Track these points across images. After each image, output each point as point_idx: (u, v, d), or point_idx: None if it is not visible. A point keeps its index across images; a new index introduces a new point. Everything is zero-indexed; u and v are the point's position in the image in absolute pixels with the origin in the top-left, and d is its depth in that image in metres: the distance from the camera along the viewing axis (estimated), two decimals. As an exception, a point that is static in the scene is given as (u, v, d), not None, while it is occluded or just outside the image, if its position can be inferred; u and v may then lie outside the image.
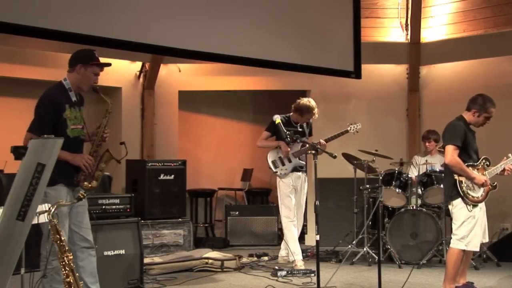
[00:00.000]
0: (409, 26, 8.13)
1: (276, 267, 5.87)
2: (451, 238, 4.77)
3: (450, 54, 7.94)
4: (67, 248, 3.17)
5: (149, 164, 6.84)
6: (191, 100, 8.63)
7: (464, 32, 7.87)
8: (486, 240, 4.94)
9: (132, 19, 5.21)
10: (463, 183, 4.59)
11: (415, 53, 8.13)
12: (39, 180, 2.70)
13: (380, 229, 5.06)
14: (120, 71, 7.83)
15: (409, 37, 8.16)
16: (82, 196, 3.29)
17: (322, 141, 6.07)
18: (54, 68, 6.52)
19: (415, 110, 8.21)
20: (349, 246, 6.54)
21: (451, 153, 4.58)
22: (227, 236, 7.74)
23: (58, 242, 3.14)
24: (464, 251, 4.65)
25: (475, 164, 4.71)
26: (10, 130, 5.55)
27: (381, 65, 8.22)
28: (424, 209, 6.46)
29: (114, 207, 5.13)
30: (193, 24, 5.61)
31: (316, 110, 6.22)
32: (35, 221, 2.96)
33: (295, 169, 6.20)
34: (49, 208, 3.11)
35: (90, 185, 4.01)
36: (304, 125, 6.34)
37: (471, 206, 4.60)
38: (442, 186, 6.33)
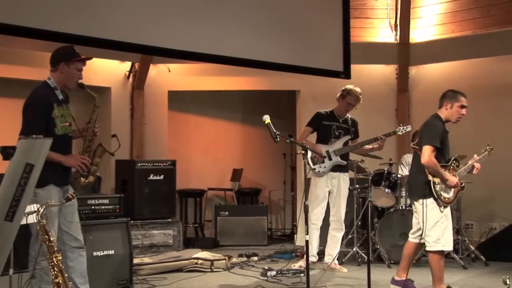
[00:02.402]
0: (398, 26, 8.17)
1: (266, 267, 5.87)
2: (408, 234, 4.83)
3: (438, 55, 7.98)
4: (56, 248, 3.15)
5: (139, 164, 6.82)
6: (181, 100, 8.61)
7: (453, 33, 7.92)
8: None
9: (122, 19, 5.20)
10: (437, 184, 4.60)
11: (404, 53, 8.17)
12: (27, 180, 2.68)
13: (369, 229, 5.06)
14: (110, 71, 7.80)
15: (398, 37, 8.20)
16: (71, 196, 3.27)
17: (382, 136, 5.92)
18: (42, 67, 6.35)
19: (404, 110, 8.24)
20: (339, 246, 6.55)
21: (429, 154, 4.56)
22: (217, 236, 7.73)
23: (47, 242, 3.12)
24: (443, 251, 4.67)
25: (446, 164, 4.72)
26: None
27: (371, 65, 8.25)
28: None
29: (103, 207, 5.10)
30: (182, 24, 5.60)
31: (358, 92, 6.01)
32: (23, 222, 2.94)
33: (334, 168, 6.00)
34: (38, 209, 3.09)
35: (87, 181, 4.01)
36: (350, 122, 6.13)
37: (443, 207, 4.63)
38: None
